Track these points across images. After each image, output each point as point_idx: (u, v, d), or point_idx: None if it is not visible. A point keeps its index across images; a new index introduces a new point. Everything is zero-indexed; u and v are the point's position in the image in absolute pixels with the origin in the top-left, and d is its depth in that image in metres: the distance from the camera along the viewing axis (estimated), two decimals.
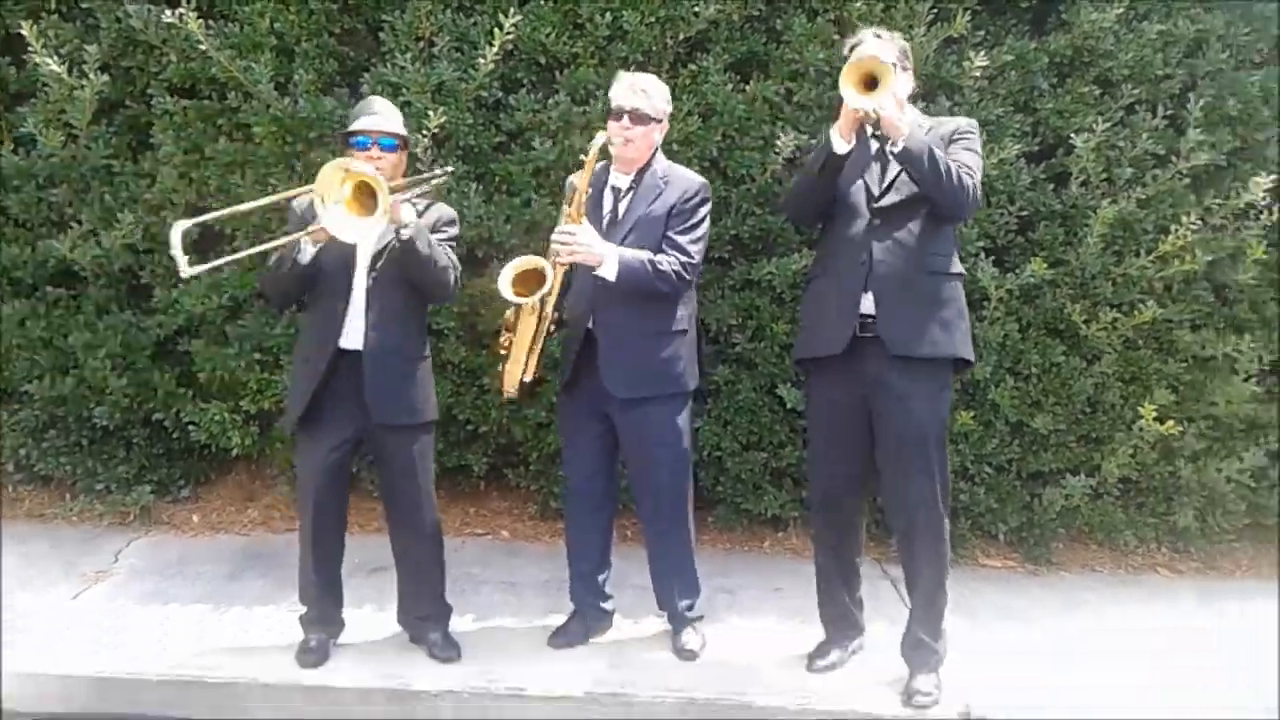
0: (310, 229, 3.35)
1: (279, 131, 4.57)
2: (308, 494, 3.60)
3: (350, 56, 4.72)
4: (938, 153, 3.29)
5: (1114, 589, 4.70)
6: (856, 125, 3.30)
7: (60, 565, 4.45)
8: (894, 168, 3.39)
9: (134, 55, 4.69)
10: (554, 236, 3.49)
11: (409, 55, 4.52)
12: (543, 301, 3.56)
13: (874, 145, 3.42)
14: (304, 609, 3.73)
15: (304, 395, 3.50)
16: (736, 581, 4.49)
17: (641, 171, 3.66)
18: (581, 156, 3.56)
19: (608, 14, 4.50)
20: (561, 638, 3.87)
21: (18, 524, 4.90)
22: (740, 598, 4.34)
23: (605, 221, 3.65)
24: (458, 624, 3.88)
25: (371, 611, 3.98)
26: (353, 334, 3.50)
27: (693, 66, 4.60)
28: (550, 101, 4.58)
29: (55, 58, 4.49)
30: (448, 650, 3.72)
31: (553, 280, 3.51)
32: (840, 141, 3.29)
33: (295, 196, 3.61)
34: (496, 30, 4.39)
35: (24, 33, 4.45)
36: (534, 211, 4.51)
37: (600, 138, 3.52)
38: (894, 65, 3.21)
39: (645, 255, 3.54)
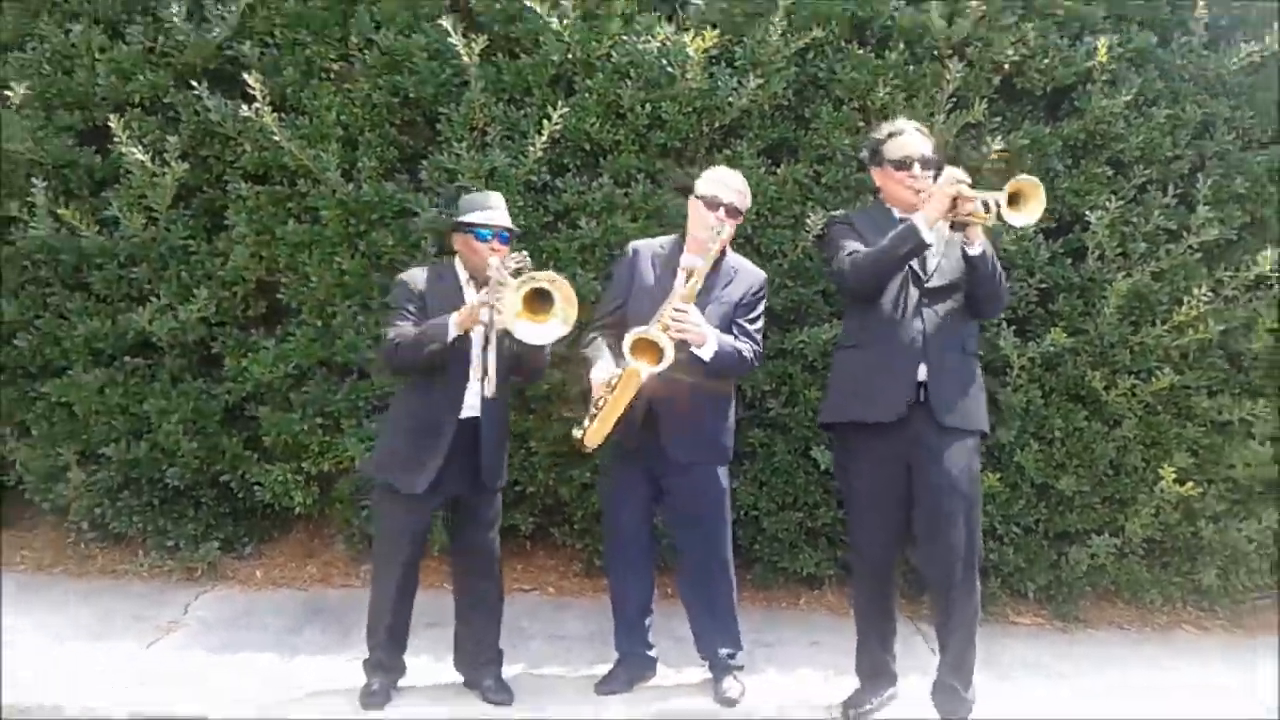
0: (466, 315, 3.66)
1: (344, 214, 4.91)
2: (401, 546, 3.86)
3: (409, 145, 5.05)
4: (993, 255, 3.65)
5: (1140, 646, 4.84)
6: (946, 218, 3.59)
7: (132, 617, 4.70)
8: (936, 255, 3.69)
9: (211, 145, 5.04)
10: (670, 313, 3.69)
11: (464, 144, 4.85)
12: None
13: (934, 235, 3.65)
14: (370, 654, 3.97)
15: (429, 464, 3.74)
16: (774, 636, 4.68)
17: (718, 260, 3.94)
18: (709, 245, 3.80)
19: (647, 104, 4.82)
20: (608, 684, 4.09)
21: (91, 579, 5.17)
22: (778, 651, 4.52)
23: (677, 286, 3.86)
24: (508, 672, 4.09)
25: (428, 661, 4.17)
26: (469, 406, 3.80)
27: (727, 151, 4.90)
28: (594, 184, 4.89)
29: (139, 147, 4.85)
30: (501, 694, 3.95)
31: (670, 355, 3.66)
32: (929, 232, 3.55)
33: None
34: (545, 120, 4.72)
35: (111, 125, 4.82)
36: (580, 285, 4.78)
37: (728, 230, 3.85)
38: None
39: (733, 341, 3.83)
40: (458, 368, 3.79)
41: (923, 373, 3.65)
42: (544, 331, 3.55)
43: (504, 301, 3.50)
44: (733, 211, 3.91)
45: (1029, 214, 3.43)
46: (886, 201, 3.85)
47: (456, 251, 3.95)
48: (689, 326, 3.71)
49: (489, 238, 3.82)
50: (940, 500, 3.63)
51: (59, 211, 4.96)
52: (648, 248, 4.07)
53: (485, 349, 3.71)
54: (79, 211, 4.98)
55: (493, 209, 3.90)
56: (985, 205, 3.47)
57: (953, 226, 3.64)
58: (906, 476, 3.71)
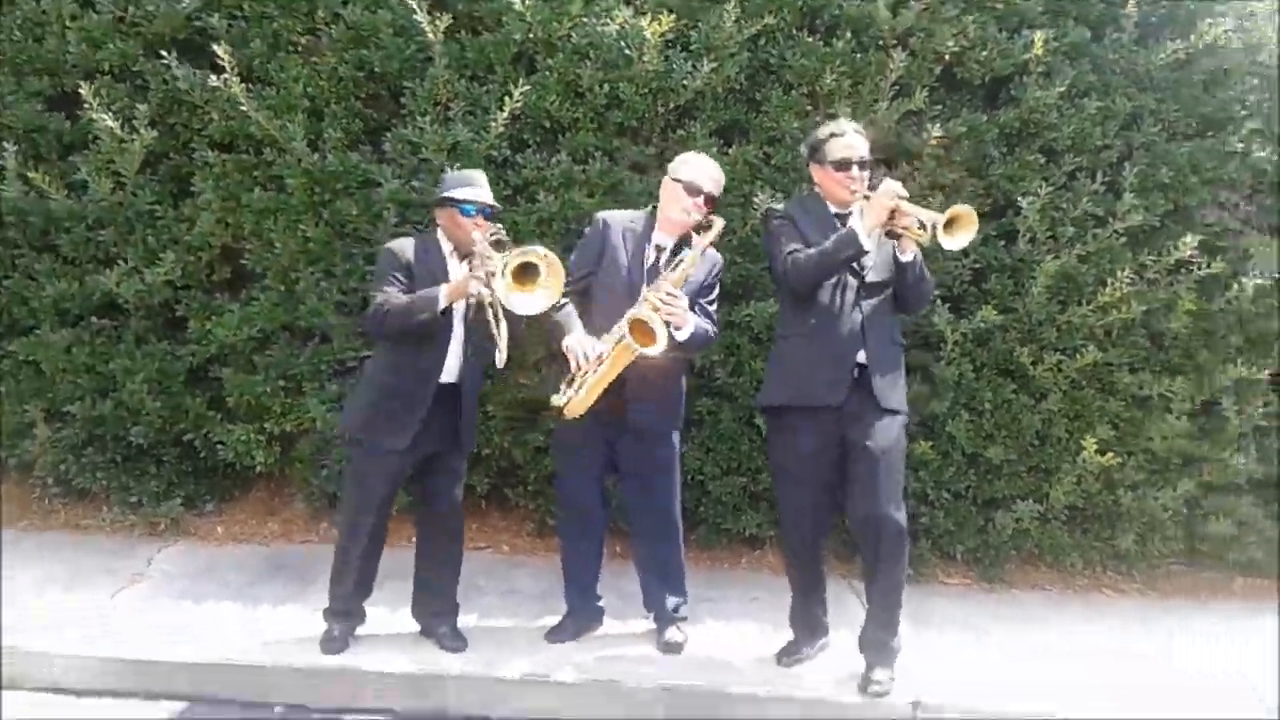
0: (456, 288, 3.86)
1: (309, 183, 5.06)
2: (373, 498, 4.04)
3: (374, 118, 5.20)
4: (925, 269, 3.97)
5: (1061, 606, 5.11)
6: (882, 228, 3.84)
7: (98, 569, 4.85)
8: (871, 250, 3.88)
9: (179, 113, 5.17)
10: (659, 296, 3.90)
11: (428, 118, 5.03)
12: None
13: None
14: (331, 603, 4.16)
15: (408, 424, 3.94)
16: (717, 593, 4.92)
17: (683, 238, 4.16)
18: (695, 235, 4.09)
19: (605, 84, 5.01)
20: (557, 634, 4.31)
21: (56, 533, 5.31)
22: (720, 606, 4.76)
23: (646, 269, 4.12)
24: (463, 623, 4.28)
25: (385, 612, 4.34)
26: (449, 371, 4.01)
27: (681, 132, 5.11)
28: (553, 160, 5.08)
29: (109, 114, 4.97)
30: (456, 642, 4.16)
31: (664, 338, 3.86)
32: (869, 240, 3.80)
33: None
34: (506, 97, 4.91)
35: (81, 92, 4.94)
36: None
37: (720, 223, 4.08)
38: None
39: (704, 323, 4.08)
40: (441, 335, 3.98)
41: (861, 357, 3.92)
42: (533, 301, 3.75)
43: (496, 275, 3.69)
44: (709, 200, 4.13)
45: (961, 239, 3.66)
46: (823, 196, 4.08)
47: (440, 225, 4.12)
48: (677, 311, 3.93)
49: (473, 214, 4.00)
50: (873, 471, 3.87)
51: (29, 175, 5.07)
52: (618, 221, 4.24)
53: (495, 318, 3.84)
54: (48, 175, 5.10)
55: (478, 186, 4.08)
56: (921, 224, 3.72)
57: (887, 234, 3.89)
58: (839, 453, 3.97)
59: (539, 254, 3.73)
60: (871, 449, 3.87)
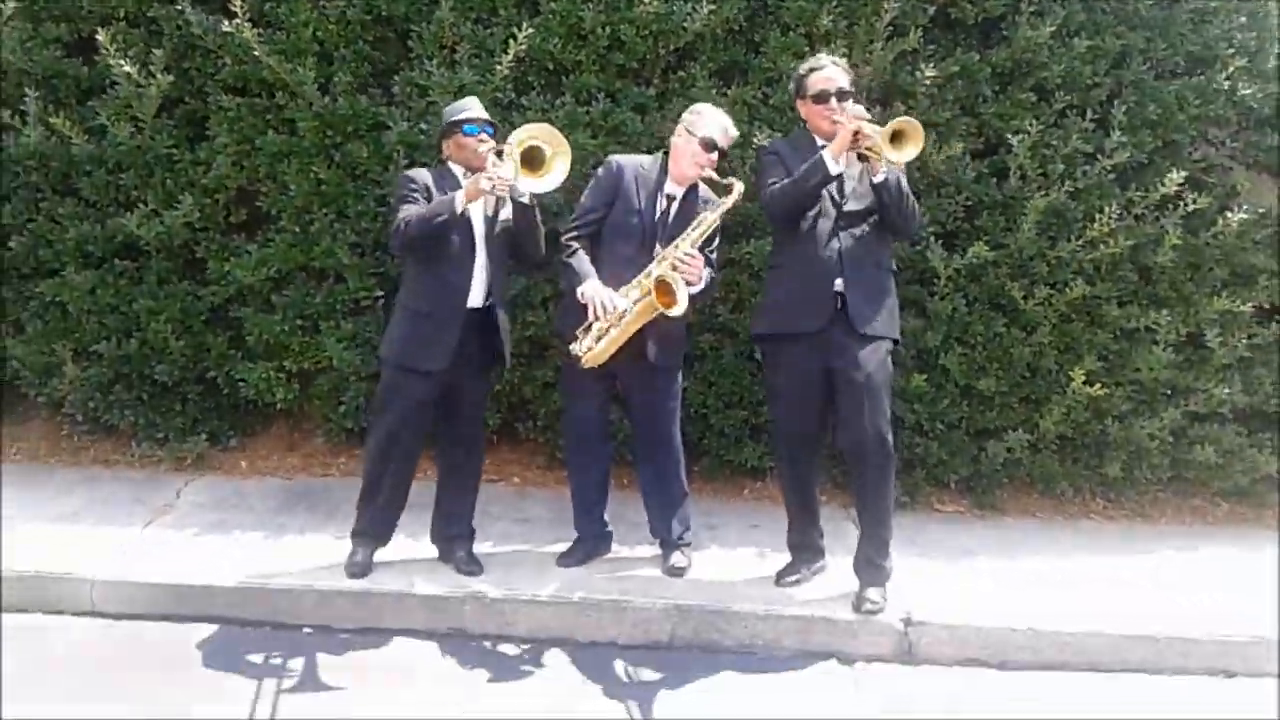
0: (471, 187, 4.01)
1: (320, 126, 5.20)
2: (407, 421, 4.25)
3: (383, 61, 5.33)
4: (903, 182, 4.05)
5: (1050, 532, 5.32)
6: (848, 151, 4.00)
7: (129, 502, 5.06)
8: (850, 179, 4.09)
9: (194, 58, 5.29)
10: (679, 255, 4.09)
11: (435, 61, 5.16)
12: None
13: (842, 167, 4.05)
14: (357, 524, 4.39)
15: (443, 345, 4.12)
16: (719, 520, 5.14)
17: (692, 187, 4.33)
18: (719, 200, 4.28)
19: (608, 27, 5.13)
20: (567, 559, 4.54)
21: (85, 469, 5.52)
22: (722, 533, 4.98)
23: (657, 217, 4.28)
24: (478, 549, 4.51)
25: (405, 539, 4.56)
26: (476, 295, 4.20)
27: (681, 73, 5.24)
28: (557, 102, 5.22)
29: (125, 59, 5.11)
30: (472, 565, 4.39)
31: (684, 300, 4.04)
32: (835, 165, 3.97)
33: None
34: (511, 40, 5.04)
35: (99, 37, 5.07)
36: (544, 198, 5.12)
37: (739, 186, 4.19)
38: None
39: (708, 274, 4.25)
40: (464, 257, 4.16)
41: (839, 285, 4.07)
42: (549, 180, 4.04)
43: (505, 169, 3.92)
44: (723, 153, 4.29)
45: (909, 152, 3.84)
46: (811, 130, 4.22)
47: (448, 157, 4.30)
48: (695, 271, 4.12)
49: (475, 131, 4.19)
50: (857, 395, 4.06)
51: (49, 120, 5.21)
52: (631, 166, 4.37)
53: (490, 227, 4.12)
54: (68, 120, 5.23)
55: (471, 108, 4.28)
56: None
57: (859, 158, 4.05)
58: (825, 378, 4.15)
59: (532, 135, 3.98)
60: (854, 375, 4.05)
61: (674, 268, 4.07)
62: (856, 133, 3.91)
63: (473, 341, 4.23)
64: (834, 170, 3.98)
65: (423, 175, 4.24)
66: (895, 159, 3.86)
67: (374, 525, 4.39)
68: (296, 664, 3.91)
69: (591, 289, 4.12)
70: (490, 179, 3.97)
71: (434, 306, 4.19)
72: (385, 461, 4.32)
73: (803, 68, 4.25)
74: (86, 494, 5.15)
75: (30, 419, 5.89)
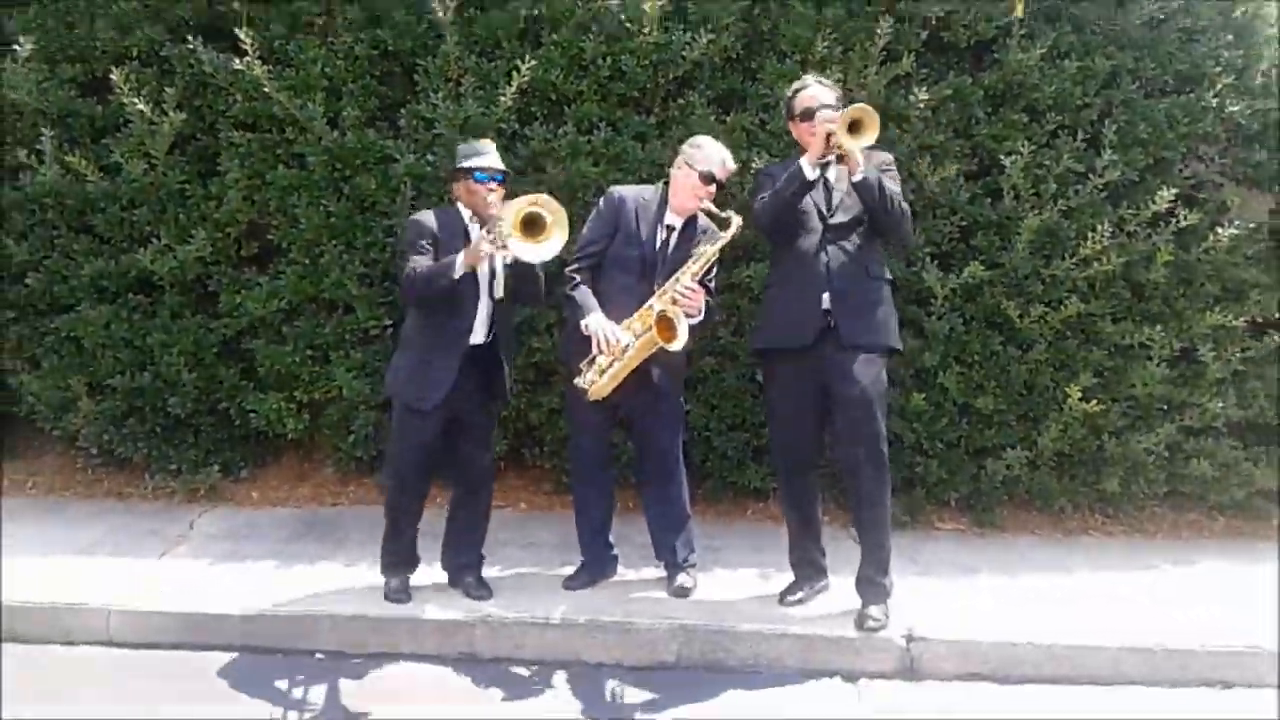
0: (470, 254, 4.09)
1: (329, 160, 5.34)
2: (417, 456, 4.34)
3: (389, 95, 5.47)
4: (883, 181, 4.11)
5: (1050, 548, 5.37)
6: (822, 157, 4.09)
7: (144, 533, 5.17)
8: (838, 192, 4.22)
9: (205, 96, 5.44)
10: (679, 290, 4.20)
11: (440, 94, 5.29)
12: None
13: (819, 174, 4.15)
14: (386, 556, 4.50)
15: (442, 382, 4.21)
16: (723, 542, 5.21)
17: (692, 218, 4.44)
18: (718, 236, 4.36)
19: (608, 57, 5.26)
20: (574, 581, 4.62)
21: (99, 501, 5.64)
22: (725, 554, 5.05)
23: (658, 248, 4.40)
24: (487, 573, 4.59)
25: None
26: (478, 332, 4.29)
27: (681, 101, 5.36)
28: (560, 132, 5.34)
29: (139, 98, 5.25)
30: (481, 590, 4.48)
31: (685, 334, 4.16)
32: (811, 170, 4.08)
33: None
34: (514, 72, 5.16)
35: (113, 77, 5.21)
36: None
37: (738, 220, 4.27)
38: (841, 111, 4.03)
39: (707, 303, 4.36)
40: (469, 298, 4.25)
41: (826, 301, 4.16)
42: (546, 249, 4.09)
43: (503, 232, 4.00)
44: (721, 185, 4.41)
45: (867, 138, 3.97)
46: (803, 149, 4.30)
47: (458, 197, 4.39)
48: (696, 303, 4.24)
49: (485, 180, 4.28)
50: (850, 411, 4.15)
51: (65, 159, 5.35)
52: (632, 197, 4.48)
53: (492, 281, 4.17)
54: (83, 158, 5.37)
55: (485, 154, 4.35)
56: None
57: (838, 160, 4.14)
58: (820, 394, 4.24)
59: (533, 200, 4.05)
60: (847, 391, 4.14)
61: (674, 301, 4.18)
62: (829, 136, 4.01)
63: (474, 377, 4.32)
64: (810, 176, 4.08)
65: (429, 221, 4.33)
66: (851, 146, 3.96)
67: (400, 555, 4.51)
68: (318, 691, 3.99)
69: (595, 322, 4.23)
70: (490, 244, 4.05)
71: (435, 342, 4.29)
72: (402, 495, 4.43)
73: (790, 90, 4.39)
74: (102, 526, 5.27)
75: (45, 453, 6.03)
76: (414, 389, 4.30)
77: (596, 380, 4.23)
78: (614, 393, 4.31)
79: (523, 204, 4.07)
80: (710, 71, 5.39)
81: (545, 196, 4.10)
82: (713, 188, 4.35)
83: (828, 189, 4.23)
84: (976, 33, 5.40)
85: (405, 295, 4.32)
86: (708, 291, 4.39)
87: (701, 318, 4.33)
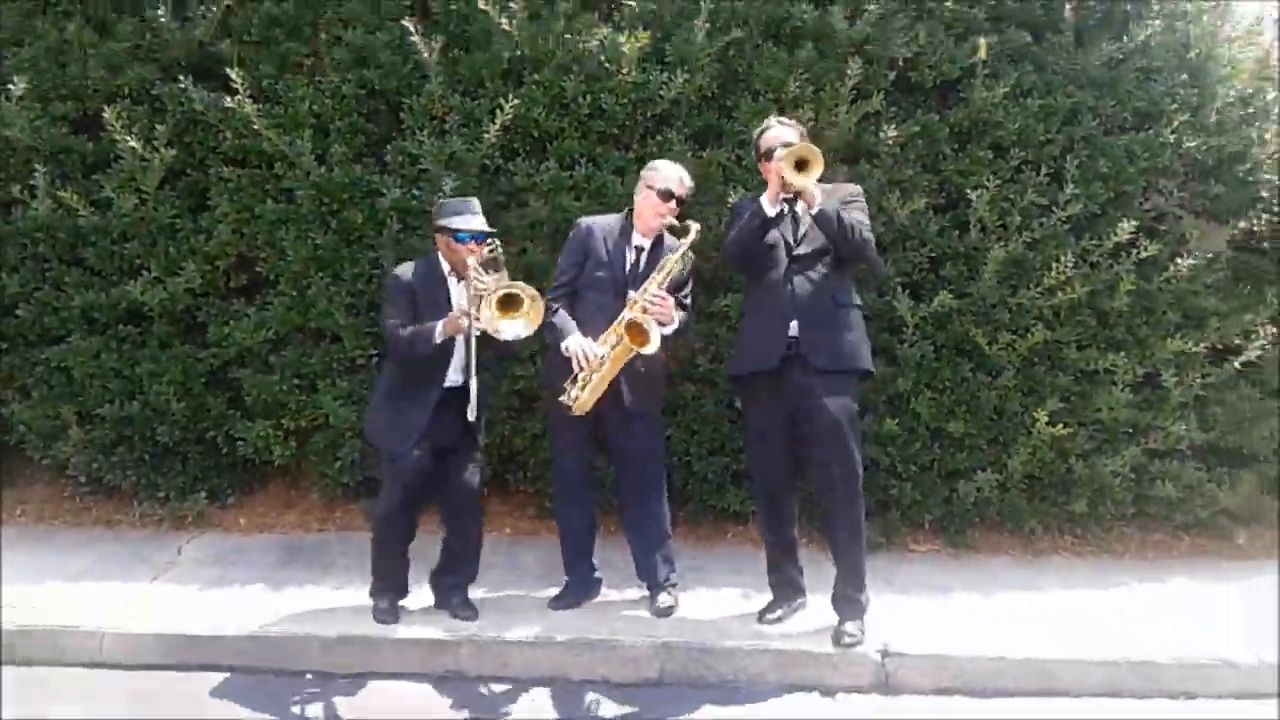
0: (450, 324, 4.28)
1: (317, 195, 5.48)
2: (400, 488, 4.43)
3: (376, 132, 5.62)
4: (843, 214, 4.32)
5: (1021, 568, 5.51)
6: (781, 195, 4.31)
7: (132, 559, 5.26)
8: (804, 225, 4.42)
9: (195, 132, 5.58)
10: (647, 299, 4.38)
11: (425, 131, 5.45)
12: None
13: (788, 209, 4.41)
14: (376, 581, 4.61)
15: (416, 427, 4.38)
16: (703, 563, 5.33)
17: (659, 238, 4.62)
18: (680, 241, 4.54)
19: (589, 95, 5.43)
20: (559, 602, 4.74)
21: (88, 529, 5.71)
22: (706, 575, 5.17)
23: (628, 269, 4.59)
24: (472, 595, 4.70)
25: None
26: (454, 374, 4.43)
27: (659, 137, 5.54)
28: (542, 167, 5.50)
29: (130, 135, 5.38)
30: (467, 611, 4.59)
31: (657, 338, 4.36)
32: (771, 207, 4.30)
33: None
34: (497, 110, 5.33)
35: (105, 114, 5.35)
36: (530, 258, 5.41)
37: (696, 227, 4.51)
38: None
39: (680, 314, 4.54)
40: (444, 348, 4.38)
41: (794, 328, 4.36)
42: (516, 328, 4.23)
43: (483, 301, 4.18)
44: (680, 201, 4.59)
45: (813, 175, 4.18)
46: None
47: (439, 251, 4.54)
48: (665, 310, 4.41)
49: (466, 240, 4.42)
50: (819, 433, 4.33)
51: (58, 194, 5.47)
52: (599, 226, 4.70)
53: (467, 346, 4.29)
54: (75, 193, 5.49)
55: (469, 214, 4.49)
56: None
57: (790, 201, 4.39)
58: (791, 416, 4.42)
59: (520, 288, 4.23)
60: (815, 414, 4.31)
61: (644, 310, 4.36)
62: (782, 174, 4.22)
63: (449, 419, 4.42)
64: (770, 213, 4.32)
65: (407, 274, 4.51)
66: (801, 183, 4.19)
67: (388, 580, 4.62)
68: (310, 709, 4.11)
69: (574, 342, 4.41)
70: (467, 318, 4.22)
71: (407, 390, 4.46)
72: (386, 530, 4.55)
73: (755, 132, 4.62)
74: (92, 553, 5.35)
75: (35, 481, 6.09)
76: (391, 435, 4.47)
77: (579, 395, 4.38)
78: (592, 413, 4.45)
79: (503, 286, 4.25)
80: (687, 109, 5.57)
81: (528, 287, 4.27)
82: (673, 204, 4.55)
83: (795, 222, 4.47)
84: (942, 73, 5.60)
85: (390, 351, 4.50)
86: (681, 306, 4.59)
87: (676, 326, 4.51)
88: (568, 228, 5.02)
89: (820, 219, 4.31)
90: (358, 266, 5.52)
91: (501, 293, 4.22)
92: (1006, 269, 5.53)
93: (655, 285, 4.44)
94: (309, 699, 4.17)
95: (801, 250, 4.44)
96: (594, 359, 4.37)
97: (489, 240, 4.46)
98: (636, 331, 4.35)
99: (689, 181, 4.67)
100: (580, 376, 4.39)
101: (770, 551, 4.74)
